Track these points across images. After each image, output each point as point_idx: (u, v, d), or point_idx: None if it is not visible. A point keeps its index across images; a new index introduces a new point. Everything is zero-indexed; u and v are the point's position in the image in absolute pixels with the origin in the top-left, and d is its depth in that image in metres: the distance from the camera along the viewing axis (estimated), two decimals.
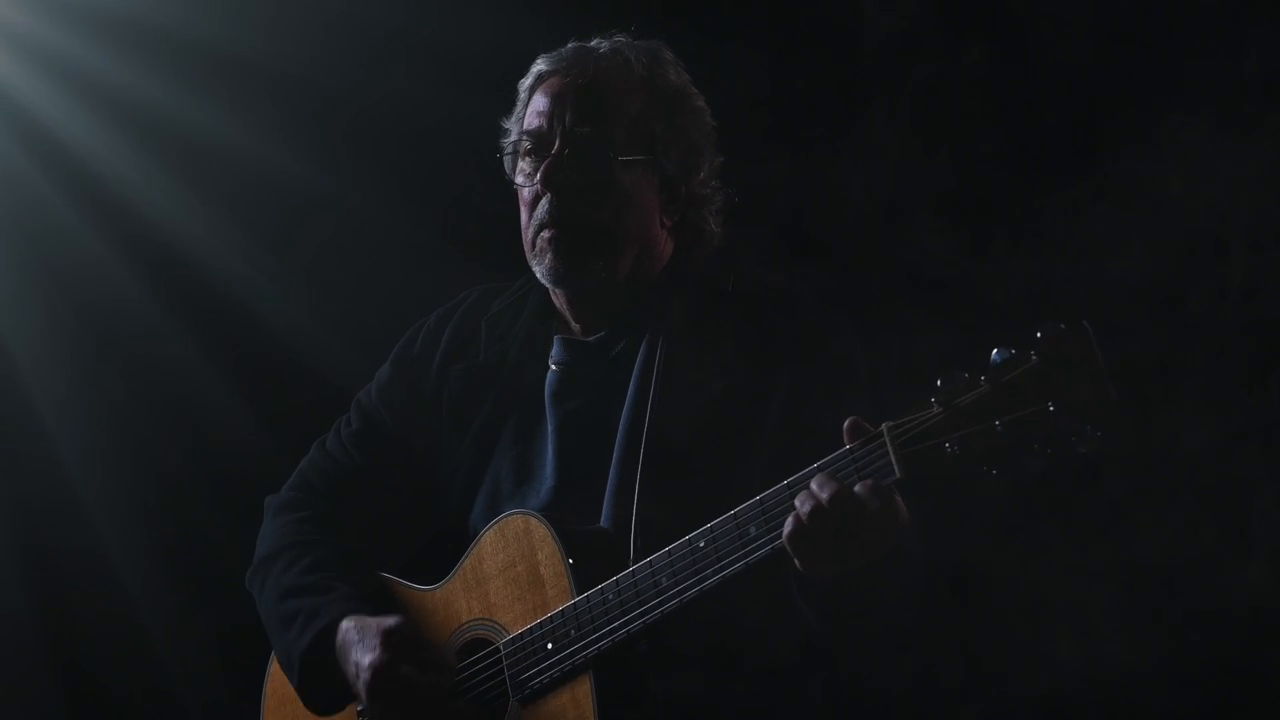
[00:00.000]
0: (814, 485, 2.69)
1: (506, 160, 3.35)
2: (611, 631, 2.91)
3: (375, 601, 3.22)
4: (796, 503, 2.70)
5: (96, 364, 4.72)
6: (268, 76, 4.54)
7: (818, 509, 2.67)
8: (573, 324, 3.32)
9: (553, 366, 3.29)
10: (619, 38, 3.33)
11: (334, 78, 4.51)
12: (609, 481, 3.12)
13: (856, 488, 2.66)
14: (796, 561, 2.72)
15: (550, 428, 3.24)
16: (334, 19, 4.48)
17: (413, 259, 4.51)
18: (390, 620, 3.11)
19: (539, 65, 3.33)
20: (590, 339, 3.28)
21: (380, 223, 4.58)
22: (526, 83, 3.34)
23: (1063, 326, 2.56)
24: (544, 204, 3.23)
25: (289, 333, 4.60)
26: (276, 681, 3.38)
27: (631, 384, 3.18)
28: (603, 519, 3.10)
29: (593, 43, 3.32)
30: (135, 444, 4.71)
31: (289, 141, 4.56)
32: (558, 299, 3.33)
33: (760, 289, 3.23)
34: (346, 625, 3.15)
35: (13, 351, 4.66)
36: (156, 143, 4.60)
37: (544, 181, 3.22)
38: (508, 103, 3.38)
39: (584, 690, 2.94)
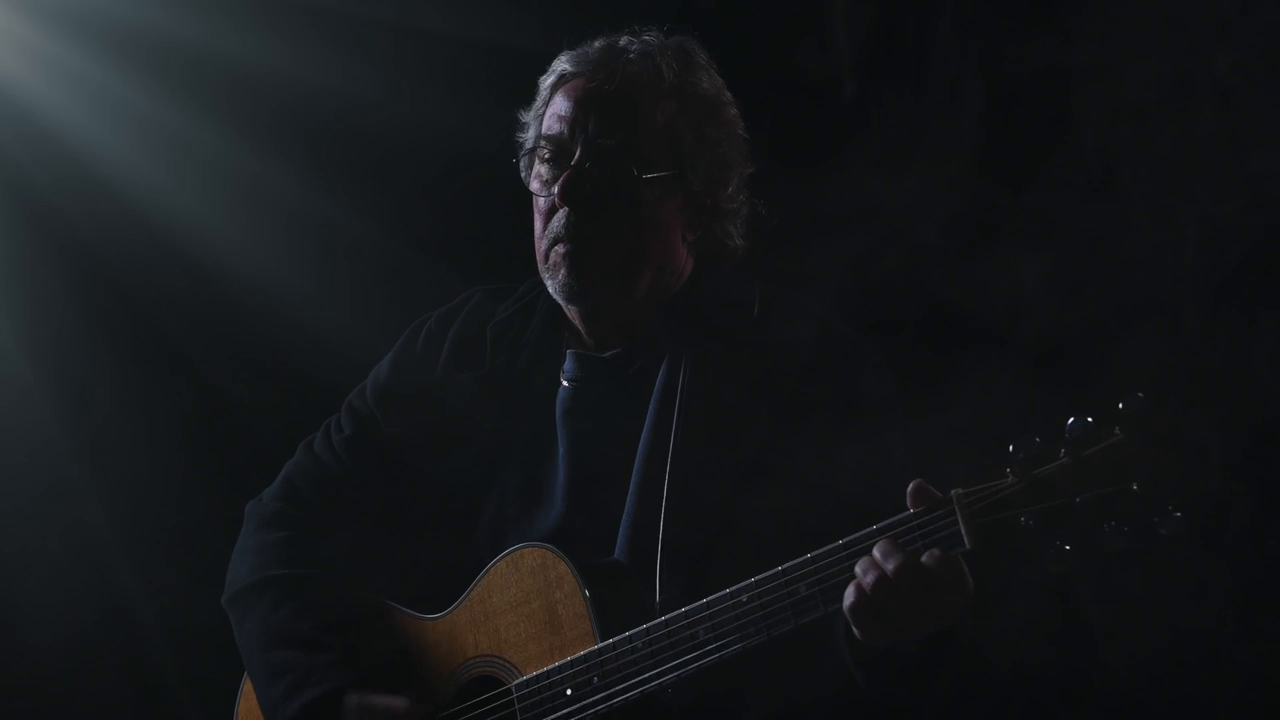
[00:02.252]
0: (878, 554, 2.55)
1: (523, 162, 3.13)
2: (641, 682, 2.76)
3: (373, 629, 3.05)
4: (858, 570, 2.56)
5: (96, 366, 4.54)
6: (266, 78, 4.34)
7: (882, 580, 2.54)
8: (585, 337, 3.13)
9: (565, 382, 3.11)
10: (648, 37, 3.09)
11: (333, 79, 4.30)
12: (626, 511, 2.95)
13: (924, 558, 2.53)
14: (855, 631, 2.60)
15: (561, 449, 3.06)
16: (335, 23, 4.29)
17: (414, 259, 4.32)
18: (398, 704, 2.94)
19: (562, 64, 3.09)
20: (605, 355, 3.10)
21: (380, 221, 4.39)
22: (548, 80, 3.11)
23: (1141, 395, 2.46)
24: (560, 217, 3.02)
25: (288, 329, 4.40)
26: (250, 702, 3.19)
27: (651, 407, 3.01)
28: (617, 550, 2.95)
29: (621, 43, 3.08)
30: (134, 443, 4.56)
31: (289, 143, 4.37)
32: (570, 312, 3.14)
33: (789, 312, 3.06)
34: (351, 702, 2.96)
35: (12, 353, 4.48)
36: (155, 146, 4.40)
37: (562, 195, 3.00)
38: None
39: None
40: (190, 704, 4.44)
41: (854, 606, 2.56)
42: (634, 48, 3.06)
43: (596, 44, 3.09)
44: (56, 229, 4.43)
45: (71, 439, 4.48)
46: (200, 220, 4.38)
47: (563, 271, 3.03)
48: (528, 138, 3.12)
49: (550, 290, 3.08)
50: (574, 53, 3.09)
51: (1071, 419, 2.49)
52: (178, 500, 4.50)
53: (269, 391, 4.41)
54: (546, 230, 3.05)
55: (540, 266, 3.09)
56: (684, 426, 2.95)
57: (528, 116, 3.14)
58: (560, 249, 3.02)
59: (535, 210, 3.10)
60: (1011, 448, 2.51)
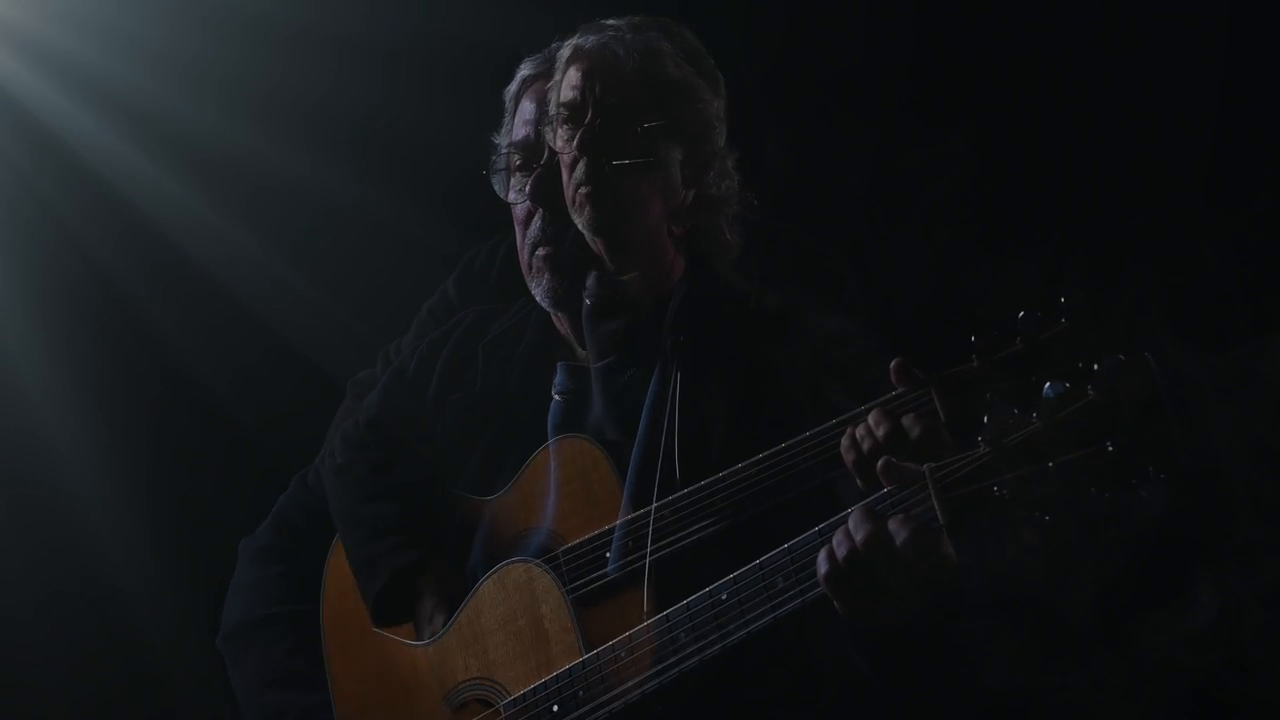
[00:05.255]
0: (851, 523, 2.45)
1: (497, 179, 3.11)
2: (625, 692, 2.66)
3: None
4: (834, 542, 2.46)
5: (97, 368, 4.58)
6: (273, 77, 4.39)
7: (853, 549, 2.44)
8: (577, 350, 3.07)
9: (556, 396, 3.04)
10: (609, 32, 2.96)
11: (340, 79, 4.34)
12: (619, 523, 2.87)
13: (890, 524, 2.41)
14: (837, 605, 2.48)
15: (553, 464, 2.99)
16: (340, 20, 4.33)
17: (424, 261, 4.30)
18: None
19: (523, 70, 3.12)
20: (597, 365, 3.03)
21: (391, 224, 4.37)
22: (512, 89, 3.13)
23: (1121, 357, 2.33)
24: (537, 221, 3.02)
25: (294, 334, 4.43)
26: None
27: (643, 415, 2.92)
28: (610, 564, 2.85)
29: (577, 38, 3.02)
30: (138, 448, 4.60)
31: (295, 144, 4.38)
32: (560, 323, 3.08)
33: (785, 309, 2.95)
34: None
35: (14, 358, 4.54)
36: (162, 147, 4.46)
37: (533, 195, 3.02)
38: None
39: None
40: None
41: (827, 576, 2.46)
42: (591, 40, 2.95)
43: (553, 44, 3.05)
44: (57, 228, 4.51)
45: (69, 437, 4.53)
46: (202, 220, 4.44)
47: (546, 275, 3.00)
48: (499, 153, 3.10)
49: (538, 299, 3.04)
50: (532, 58, 3.12)
51: (1047, 384, 2.36)
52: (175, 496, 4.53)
53: (269, 389, 4.42)
54: (526, 237, 3.04)
55: (526, 277, 3.07)
56: (675, 436, 2.86)
57: (498, 136, 3.13)
58: (541, 252, 3.01)
59: (514, 221, 3.08)
60: (985, 418, 2.40)
